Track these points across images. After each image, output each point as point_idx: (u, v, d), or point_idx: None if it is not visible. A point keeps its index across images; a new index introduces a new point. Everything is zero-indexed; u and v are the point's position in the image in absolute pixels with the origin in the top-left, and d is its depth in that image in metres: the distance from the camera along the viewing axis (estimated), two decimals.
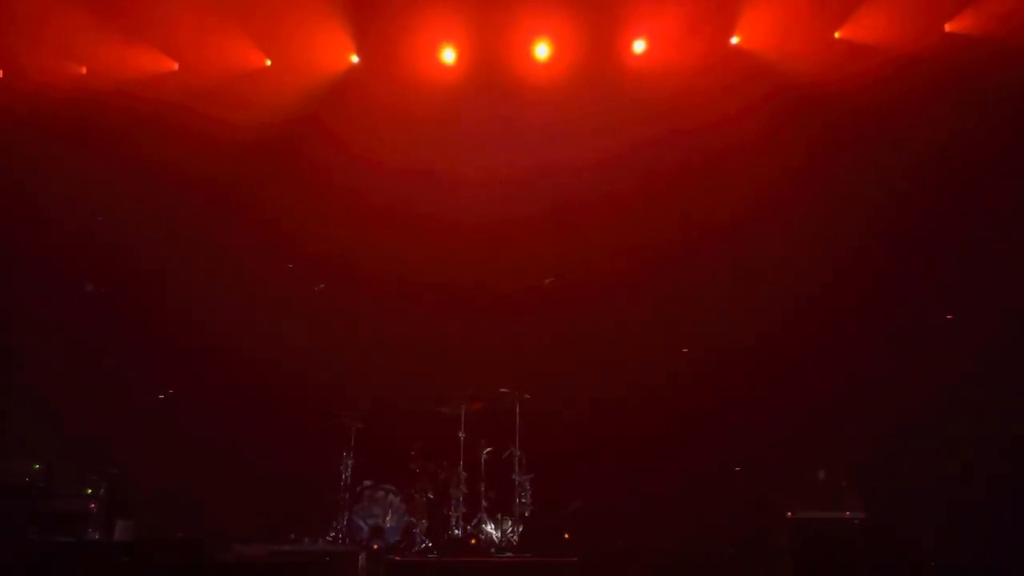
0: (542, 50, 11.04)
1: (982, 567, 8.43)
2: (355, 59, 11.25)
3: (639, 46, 10.95)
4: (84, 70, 11.06)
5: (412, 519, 9.68)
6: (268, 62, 11.21)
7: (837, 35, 10.64)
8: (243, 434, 10.44)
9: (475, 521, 9.62)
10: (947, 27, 10.44)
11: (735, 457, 10.24)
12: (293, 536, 9.62)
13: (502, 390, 9.97)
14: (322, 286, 10.69)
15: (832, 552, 8.48)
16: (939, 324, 10.23)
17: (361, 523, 9.75)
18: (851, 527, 8.64)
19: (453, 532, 9.55)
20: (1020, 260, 9.96)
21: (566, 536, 9.23)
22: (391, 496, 9.84)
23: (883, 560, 8.29)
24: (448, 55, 11.15)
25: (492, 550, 9.42)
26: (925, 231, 10.48)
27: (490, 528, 9.59)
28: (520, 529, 9.60)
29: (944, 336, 10.12)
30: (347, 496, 9.79)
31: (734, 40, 10.83)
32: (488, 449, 9.92)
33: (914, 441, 9.75)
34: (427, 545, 9.47)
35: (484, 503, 9.68)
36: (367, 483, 9.90)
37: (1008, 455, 9.30)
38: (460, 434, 9.85)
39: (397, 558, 8.84)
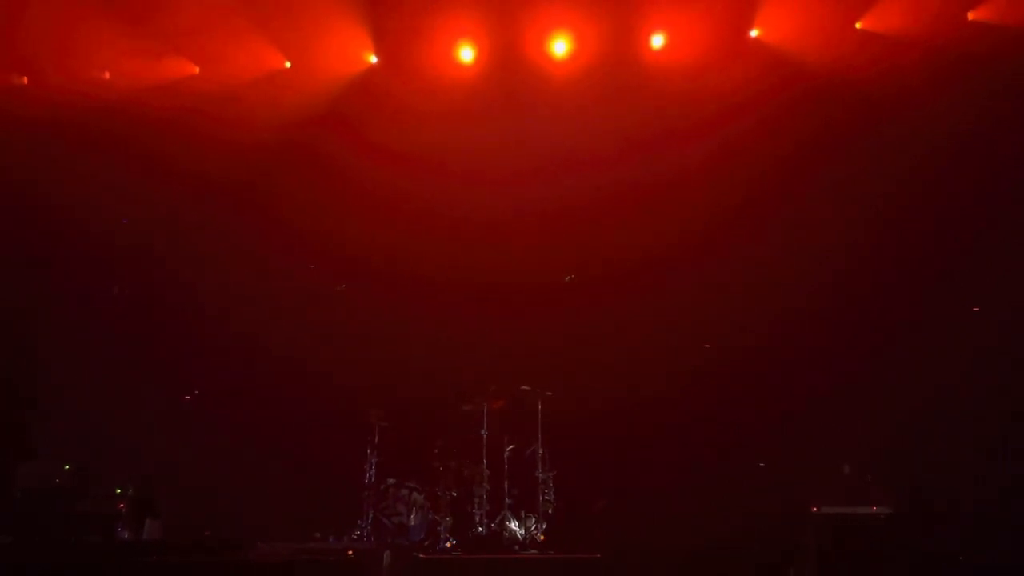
0: (560, 46, 11.01)
1: (1010, 560, 8.32)
2: (373, 59, 11.29)
3: (657, 40, 10.88)
4: (107, 75, 11.18)
5: (436, 517, 9.71)
6: (288, 64, 11.28)
7: (858, 25, 10.51)
8: (269, 434, 10.53)
9: (499, 518, 9.64)
10: (970, 15, 10.28)
11: (759, 453, 10.18)
12: (318, 534, 9.69)
13: (524, 387, 9.97)
14: (343, 286, 10.74)
15: (858, 547, 8.41)
16: (965, 316, 10.10)
17: (386, 521, 9.79)
18: (877, 521, 8.56)
19: (477, 529, 9.58)
20: None
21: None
22: (415, 494, 9.87)
23: (910, 554, 8.21)
24: (466, 53, 11.16)
25: (516, 547, 9.43)
26: (950, 222, 10.33)
27: (514, 525, 9.60)
28: (544, 526, 9.60)
29: (971, 328, 9.99)
30: (371, 494, 9.83)
31: (754, 32, 10.74)
32: (511, 446, 9.93)
33: (940, 433, 9.64)
34: (452, 543, 9.50)
35: (508, 500, 9.70)
36: (391, 481, 9.95)
37: None
38: (483, 432, 9.87)
39: (422, 556, 8.87)
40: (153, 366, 10.79)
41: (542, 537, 9.44)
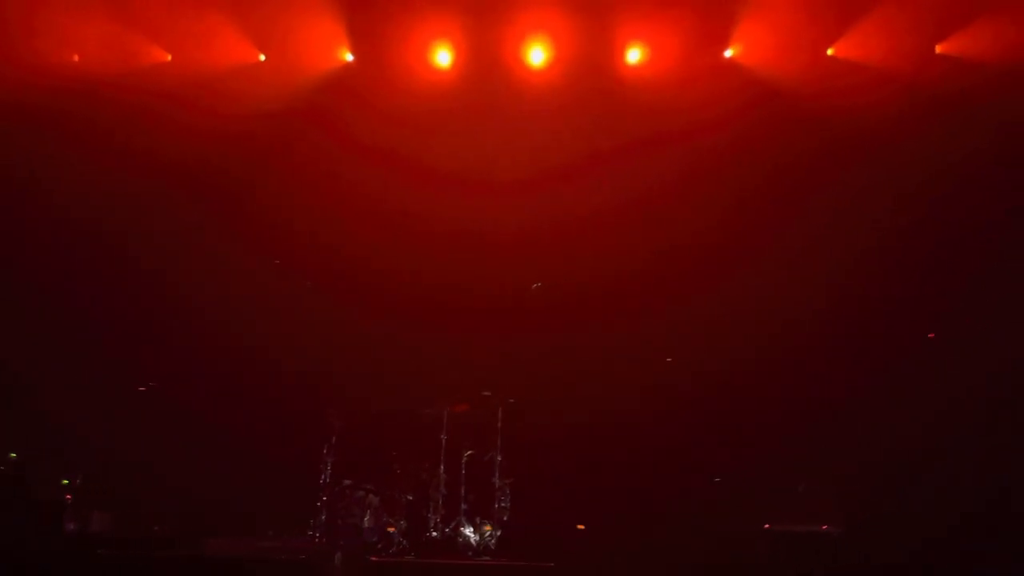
0: (537, 55, 11.06)
1: None
2: (349, 57, 11.25)
3: (634, 55, 11.00)
4: (76, 58, 10.99)
5: (390, 520, 9.65)
6: (262, 57, 11.19)
7: (830, 52, 10.73)
8: (224, 429, 10.40)
9: (453, 524, 9.63)
10: (938, 48, 10.55)
11: (716, 469, 10.29)
12: (271, 533, 9.58)
13: (485, 394, 9.97)
14: (309, 284, 10.66)
15: (808, 565, 8.54)
16: (925, 343, 10.33)
17: (339, 522, 9.70)
18: (828, 540, 8.70)
19: (431, 534, 9.55)
20: (1006, 282, 10.06)
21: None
22: (370, 496, 9.80)
23: (859, 574, 8.37)
24: (443, 58, 11.16)
25: (470, 554, 9.43)
26: (914, 249, 10.56)
27: (468, 531, 9.59)
28: (498, 533, 9.61)
29: (931, 355, 10.23)
30: (326, 495, 9.74)
31: (728, 53, 10.90)
32: (469, 452, 9.91)
33: (894, 455, 9.82)
34: (404, 546, 9.46)
35: (463, 506, 9.69)
36: (347, 482, 9.86)
37: (989, 471, 9.41)
38: (442, 436, 9.85)
39: (373, 559, 8.81)
40: (109, 356, 10.59)
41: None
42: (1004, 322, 9.96)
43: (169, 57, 11.11)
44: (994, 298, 10.12)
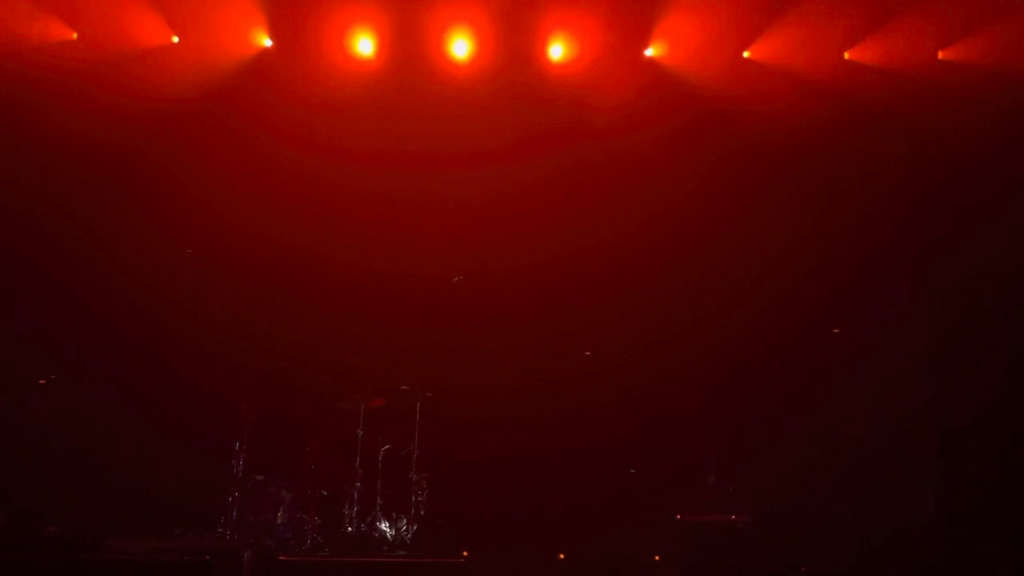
0: (460, 49, 11.01)
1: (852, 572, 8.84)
2: (268, 43, 10.99)
3: (556, 51, 11.07)
4: None
5: (304, 516, 9.46)
6: (175, 39, 10.83)
7: (746, 54, 11.01)
8: (128, 422, 9.99)
9: (369, 519, 9.51)
10: (847, 55, 10.94)
11: (631, 460, 10.46)
12: (178, 531, 9.26)
13: (403, 387, 9.88)
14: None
15: (717, 554, 8.76)
16: (836, 345, 10.69)
17: (251, 519, 9.46)
18: (736, 529, 8.95)
19: (347, 530, 9.41)
20: (919, 282, 10.49)
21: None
22: (284, 492, 9.59)
23: (763, 562, 8.62)
24: (365, 46, 11.01)
25: (385, 548, 9.33)
26: (823, 254, 10.90)
27: (385, 526, 9.50)
28: (415, 528, 9.54)
29: (839, 355, 10.59)
30: (238, 490, 9.47)
31: (649, 52, 11.07)
32: (386, 447, 9.81)
33: (800, 447, 10.14)
34: (319, 542, 9.29)
35: (380, 501, 9.58)
36: (259, 477, 9.62)
37: (894, 470, 9.79)
38: (358, 430, 9.71)
39: (282, 558, 8.62)
40: (4, 342, 10.06)
41: None
42: (915, 324, 10.38)
43: (74, 35, 10.62)
44: (906, 300, 10.54)
